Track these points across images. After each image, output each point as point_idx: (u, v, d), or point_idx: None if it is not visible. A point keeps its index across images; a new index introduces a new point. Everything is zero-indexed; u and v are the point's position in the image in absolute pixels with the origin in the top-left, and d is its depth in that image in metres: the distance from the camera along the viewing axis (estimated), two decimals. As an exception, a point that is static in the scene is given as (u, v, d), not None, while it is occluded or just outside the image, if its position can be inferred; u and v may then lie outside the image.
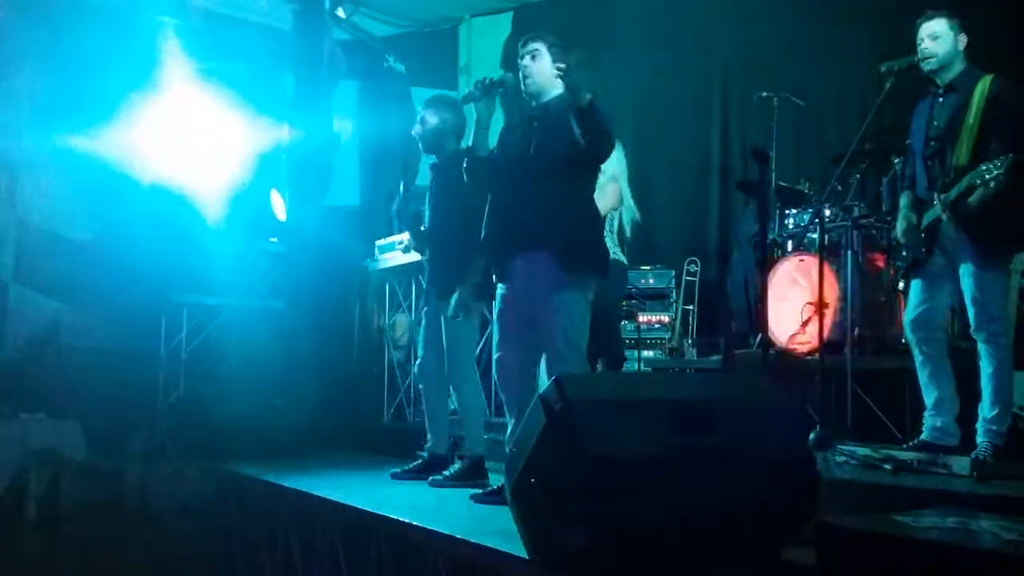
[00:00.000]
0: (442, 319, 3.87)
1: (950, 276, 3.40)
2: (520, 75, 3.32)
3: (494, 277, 3.36)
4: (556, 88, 3.29)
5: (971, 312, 3.32)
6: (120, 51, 7.52)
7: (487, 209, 3.36)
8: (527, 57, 3.31)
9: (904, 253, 3.57)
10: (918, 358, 3.49)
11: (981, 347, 3.29)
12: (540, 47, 3.29)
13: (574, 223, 3.18)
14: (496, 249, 3.30)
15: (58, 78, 7.71)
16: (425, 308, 4.13)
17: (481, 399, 4.04)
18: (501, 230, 3.28)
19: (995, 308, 3.28)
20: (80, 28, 7.09)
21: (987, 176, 3.10)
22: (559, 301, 3.12)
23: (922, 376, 3.49)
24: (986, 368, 3.29)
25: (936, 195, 3.36)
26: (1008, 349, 3.30)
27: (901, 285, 3.64)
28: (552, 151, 3.19)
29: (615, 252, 4.46)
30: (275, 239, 7.04)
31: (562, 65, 3.24)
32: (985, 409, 3.29)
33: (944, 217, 3.30)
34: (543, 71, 3.27)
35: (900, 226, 3.58)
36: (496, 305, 3.38)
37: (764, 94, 5.33)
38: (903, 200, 3.66)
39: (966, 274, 3.32)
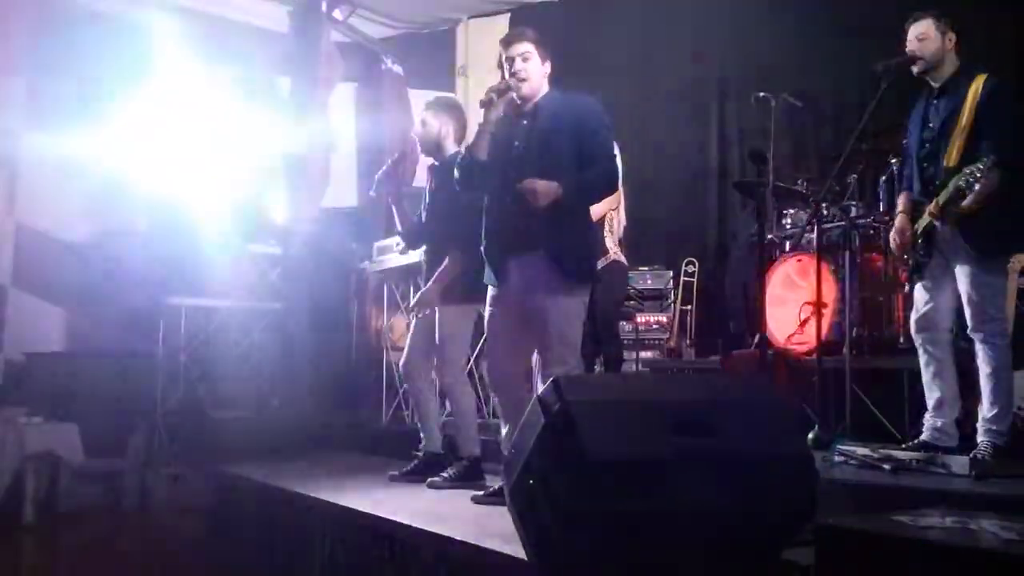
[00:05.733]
0: (435, 320, 3.89)
1: (949, 277, 3.41)
2: (511, 78, 3.22)
3: (486, 279, 3.33)
4: (544, 87, 3.26)
5: (968, 312, 3.32)
6: (117, 54, 7.52)
7: (483, 211, 3.34)
8: (518, 60, 3.22)
9: (907, 258, 3.58)
10: (922, 358, 3.50)
11: (979, 347, 3.30)
12: (530, 48, 3.22)
13: (568, 225, 3.14)
14: (490, 251, 3.28)
15: (57, 80, 7.71)
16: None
17: (473, 399, 4.06)
18: (495, 232, 3.26)
19: (992, 308, 3.29)
20: (77, 31, 7.08)
21: (971, 179, 3.11)
22: (554, 303, 3.10)
23: (925, 376, 3.50)
24: (984, 368, 3.30)
25: (926, 200, 3.38)
26: (1006, 349, 3.31)
27: (907, 288, 3.65)
28: (546, 155, 3.15)
29: (615, 253, 4.46)
30: (273, 241, 7.04)
31: (548, 65, 3.23)
32: (985, 408, 3.29)
33: (936, 224, 3.31)
34: (536, 73, 3.23)
35: (895, 235, 3.58)
36: (487, 308, 3.34)
37: (761, 95, 5.32)
38: (900, 202, 3.67)
39: (962, 275, 3.33)
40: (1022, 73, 4.69)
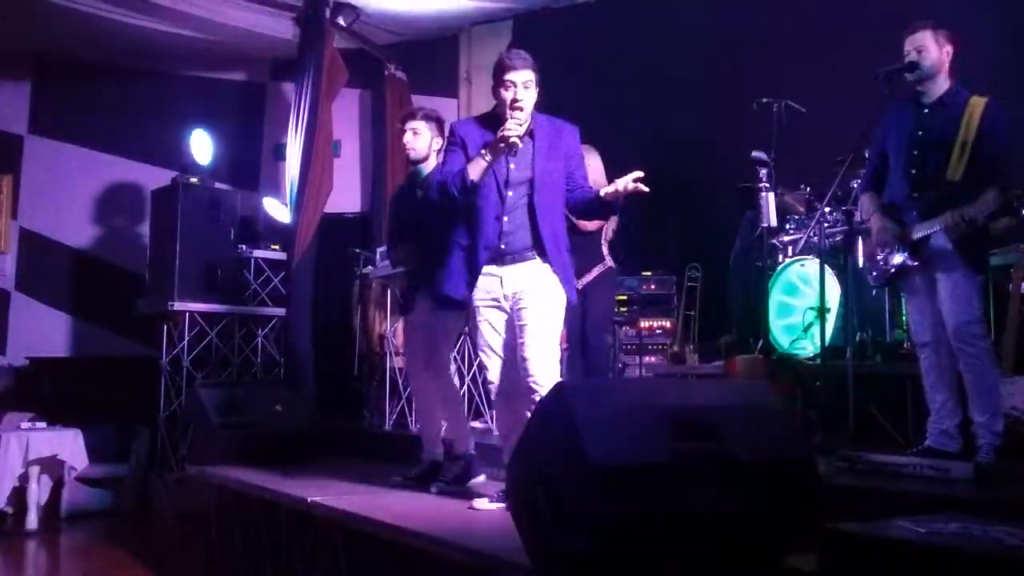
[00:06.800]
0: (431, 325, 3.94)
1: (933, 283, 3.42)
2: (513, 105, 3.19)
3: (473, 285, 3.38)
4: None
5: (951, 317, 3.33)
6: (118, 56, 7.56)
7: (478, 224, 3.34)
8: (521, 87, 3.20)
9: (880, 261, 3.57)
10: (924, 364, 3.52)
11: (963, 351, 3.31)
12: (533, 78, 3.23)
13: (562, 239, 3.30)
14: (481, 263, 3.31)
15: (59, 85, 7.75)
16: (410, 316, 4.16)
17: (461, 397, 4.23)
18: (490, 247, 3.30)
19: (974, 311, 3.31)
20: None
21: (1021, 202, 3.11)
22: (542, 302, 3.21)
23: (927, 382, 3.51)
24: (967, 374, 3.31)
25: (913, 206, 3.39)
26: (989, 351, 3.33)
27: (873, 292, 3.66)
28: (545, 177, 3.26)
29: (608, 259, 4.54)
30: (276, 246, 7.05)
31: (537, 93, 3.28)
32: (976, 413, 3.30)
33: (953, 237, 3.31)
34: (533, 101, 3.26)
35: (879, 233, 3.57)
36: (480, 319, 3.35)
37: (764, 100, 5.33)
38: (870, 202, 3.67)
39: (948, 281, 3.35)
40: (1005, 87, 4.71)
